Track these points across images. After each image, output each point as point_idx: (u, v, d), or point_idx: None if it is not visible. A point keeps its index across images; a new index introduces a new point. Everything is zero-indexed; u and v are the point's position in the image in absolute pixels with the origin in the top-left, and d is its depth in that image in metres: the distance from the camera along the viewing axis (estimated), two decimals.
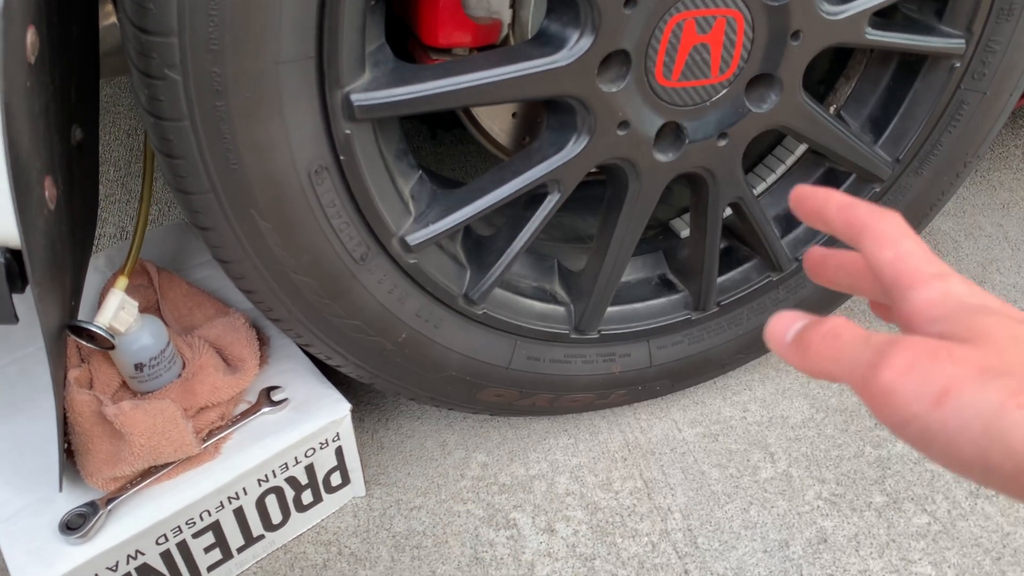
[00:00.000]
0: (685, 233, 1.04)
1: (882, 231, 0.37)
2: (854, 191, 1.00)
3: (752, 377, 1.15)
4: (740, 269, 1.02)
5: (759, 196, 1.02)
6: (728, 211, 0.95)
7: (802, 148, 1.04)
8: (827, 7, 0.80)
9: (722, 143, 0.84)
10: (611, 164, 0.82)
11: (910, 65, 0.95)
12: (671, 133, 0.82)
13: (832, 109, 1.01)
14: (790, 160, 1.04)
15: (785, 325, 0.38)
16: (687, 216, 1.06)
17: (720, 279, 1.00)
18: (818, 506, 0.99)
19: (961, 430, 0.29)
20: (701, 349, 1.04)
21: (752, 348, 1.09)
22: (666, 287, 1.01)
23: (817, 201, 0.41)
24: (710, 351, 1.05)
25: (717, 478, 1.02)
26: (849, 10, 0.81)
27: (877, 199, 1.00)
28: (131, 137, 1.66)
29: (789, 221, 1.02)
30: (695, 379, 1.09)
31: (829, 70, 1.03)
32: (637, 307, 0.99)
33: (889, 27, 0.87)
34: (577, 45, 0.73)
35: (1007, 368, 0.29)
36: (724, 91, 0.81)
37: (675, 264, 1.02)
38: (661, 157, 0.82)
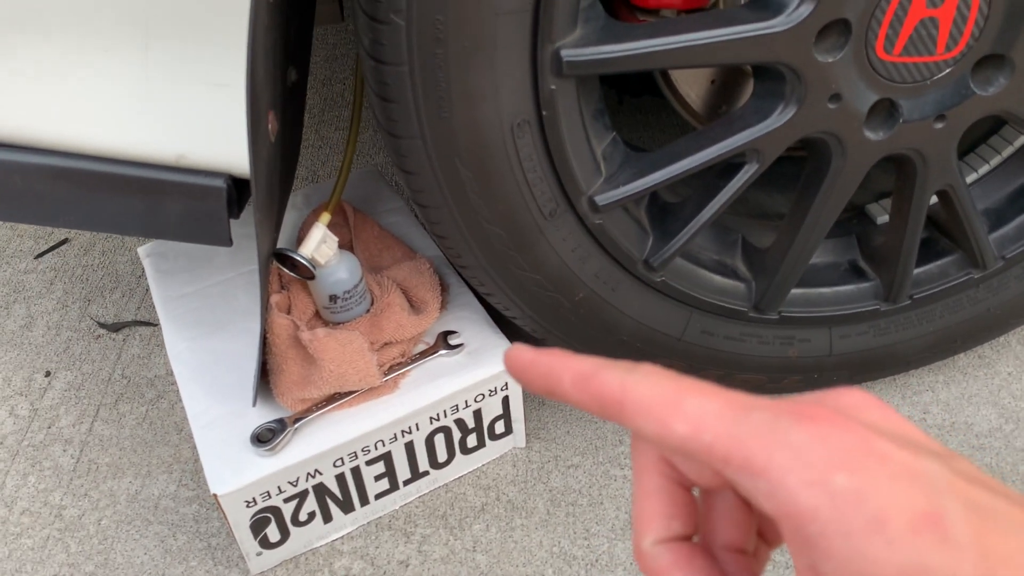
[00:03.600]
0: (882, 219, 0.99)
1: (648, 400, 0.27)
2: None
3: (936, 378, 1.09)
4: (938, 263, 0.96)
5: (969, 186, 0.96)
6: (933, 199, 0.90)
7: (1023, 139, 0.96)
8: None
9: (939, 125, 0.79)
10: (816, 138, 0.79)
11: None
12: (885, 110, 0.78)
13: None
14: (1007, 151, 0.97)
15: None
16: (884, 202, 1.01)
17: (916, 271, 0.95)
18: None
19: None
20: (886, 343, 0.99)
21: (941, 347, 1.02)
22: (856, 274, 0.97)
23: (542, 372, 0.30)
24: (896, 346, 0.99)
25: None
26: None
27: None
28: (326, 87, 1.75)
29: (1000, 216, 0.95)
30: (876, 374, 1.04)
31: None
32: (823, 291, 0.95)
33: None
34: (796, 11, 0.70)
35: None
36: (948, 70, 0.76)
37: (868, 251, 0.97)
38: (871, 135, 0.79)
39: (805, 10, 0.70)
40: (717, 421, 0.26)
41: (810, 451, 0.24)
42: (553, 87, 0.72)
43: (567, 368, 0.29)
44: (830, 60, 0.73)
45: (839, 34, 0.72)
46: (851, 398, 0.28)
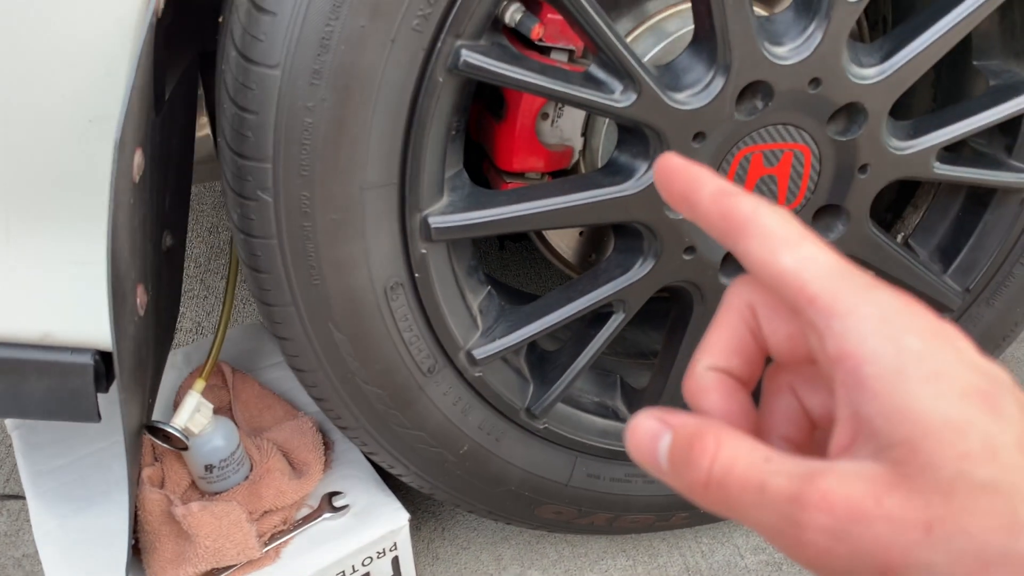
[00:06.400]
0: None
1: (771, 229, 0.29)
2: None
3: None
4: None
5: None
6: None
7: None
8: (894, 142, 0.81)
9: None
10: (677, 286, 0.83)
11: (980, 196, 0.95)
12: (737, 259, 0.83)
13: (900, 237, 1.01)
14: None
15: (650, 437, 0.30)
16: None
17: None
18: None
19: None
20: None
21: None
22: None
23: (684, 180, 0.31)
24: None
25: None
26: (917, 145, 0.82)
27: None
28: (212, 235, 1.74)
29: None
30: None
31: (896, 199, 1.04)
32: None
33: (957, 161, 0.87)
34: (645, 176, 0.75)
35: (958, 524, 0.23)
36: None
37: None
38: (727, 281, 0.83)
39: (652, 174, 0.75)
40: (822, 268, 0.28)
41: (894, 317, 0.26)
42: (424, 251, 0.75)
43: (712, 182, 0.31)
44: (681, 217, 0.78)
45: None
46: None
